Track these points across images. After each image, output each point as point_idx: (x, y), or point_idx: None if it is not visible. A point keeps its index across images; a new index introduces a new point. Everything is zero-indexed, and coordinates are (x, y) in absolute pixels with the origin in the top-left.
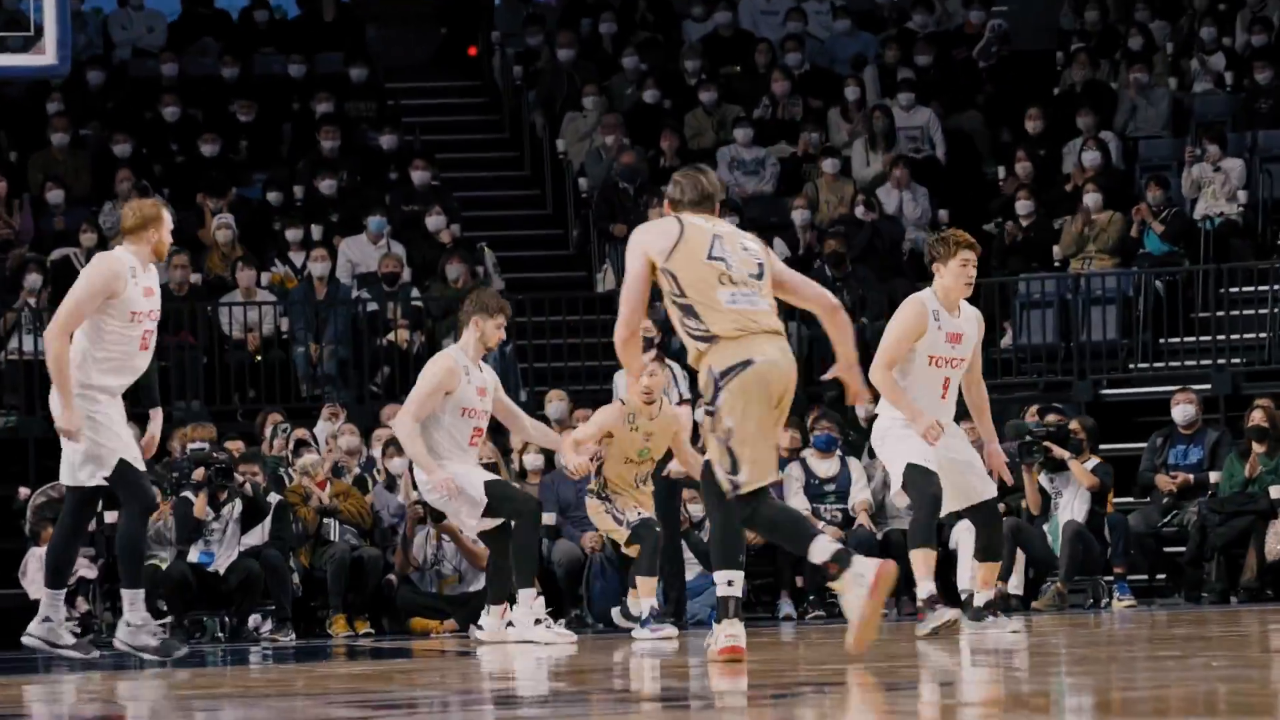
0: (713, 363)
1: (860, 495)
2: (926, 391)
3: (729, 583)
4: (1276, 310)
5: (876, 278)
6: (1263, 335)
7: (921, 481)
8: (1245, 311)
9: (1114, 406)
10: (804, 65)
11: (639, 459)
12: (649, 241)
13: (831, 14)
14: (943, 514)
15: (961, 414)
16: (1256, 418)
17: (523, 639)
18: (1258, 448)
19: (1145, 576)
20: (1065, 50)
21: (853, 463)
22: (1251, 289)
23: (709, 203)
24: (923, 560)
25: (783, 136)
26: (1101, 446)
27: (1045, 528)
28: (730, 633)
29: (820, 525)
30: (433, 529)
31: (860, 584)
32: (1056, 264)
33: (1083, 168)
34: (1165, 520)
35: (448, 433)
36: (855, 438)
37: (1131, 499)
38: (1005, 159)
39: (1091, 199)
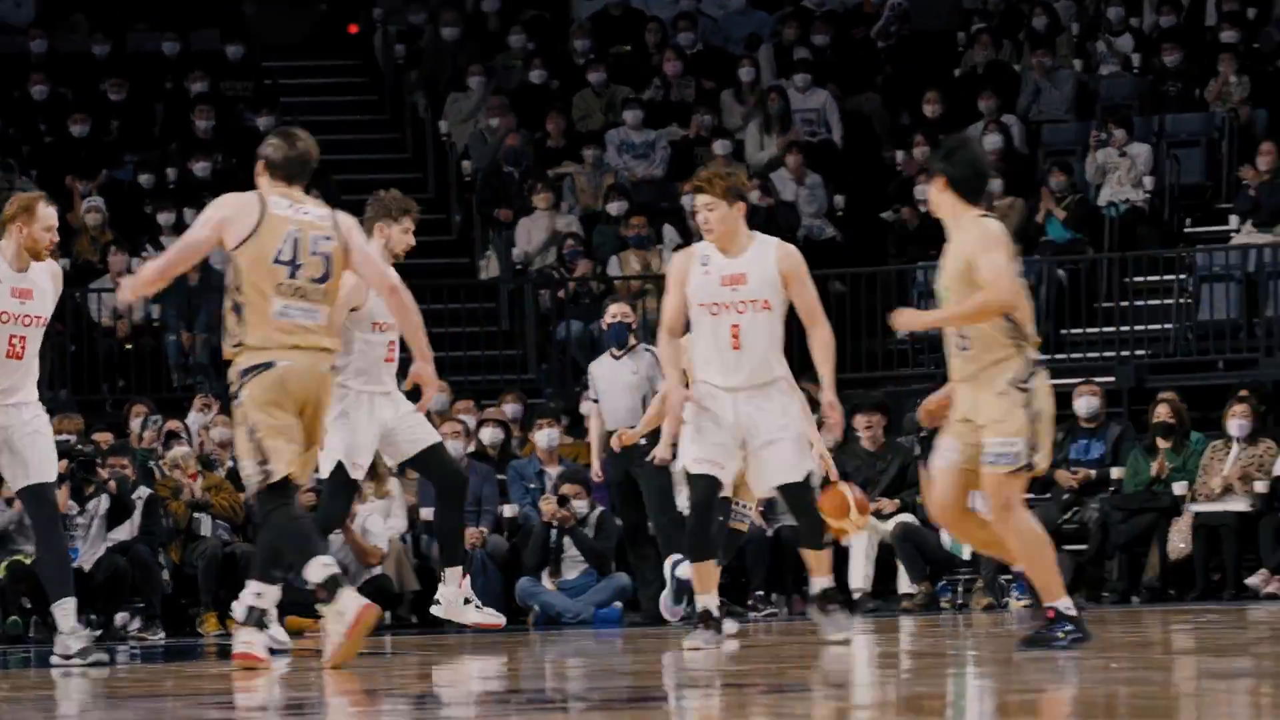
0: (240, 363)
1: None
2: (714, 344)
3: (257, 594)
4: (1183, 301)
5: None
6: (1168, 326)
7: (692, 488)
8: (1150, 302)
9: None
10: (697, 45)
11: None
12: (229, 219)
13: None
14: (755, 500)
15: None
16: (1162, 412)
17: (449, 619)
18: (1163, 443)
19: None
20: (967, 30)
21: None
22: (1157, 278)
23: (305, 173)
24: (697, 574)
25: (674, 118)
26: None
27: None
28: (245, 639)
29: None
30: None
31: (340, 622)
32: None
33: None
34: (1065, 517)
35: (361, 352)
36: None
37: (1032, 495)
38: (904, 142)
39: (993, 184)
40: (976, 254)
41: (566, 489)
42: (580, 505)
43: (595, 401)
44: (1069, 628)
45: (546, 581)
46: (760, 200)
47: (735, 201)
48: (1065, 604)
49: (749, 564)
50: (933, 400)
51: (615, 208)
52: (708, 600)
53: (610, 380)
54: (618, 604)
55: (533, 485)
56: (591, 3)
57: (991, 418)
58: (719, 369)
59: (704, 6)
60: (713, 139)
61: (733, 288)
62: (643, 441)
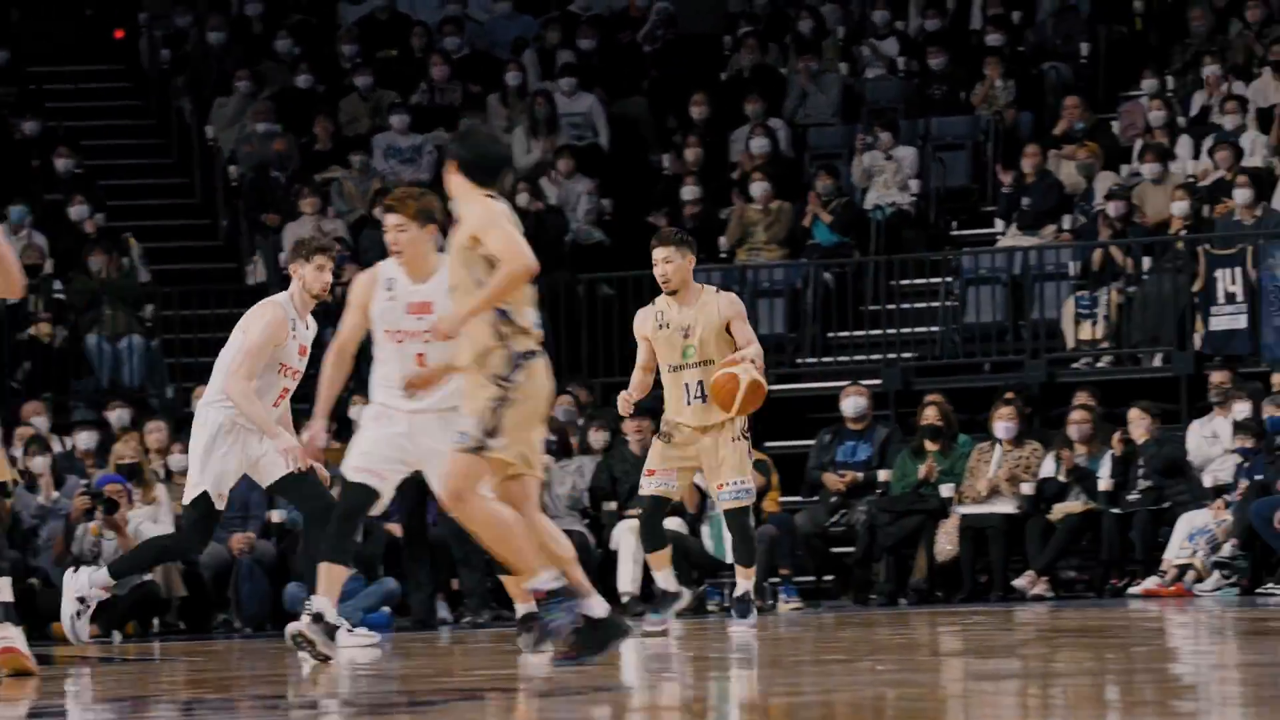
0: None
1: None
2: (399, 370)
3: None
4: (949, 303)
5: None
6: (934, 329)
7: (346, 494)
8: (916, 305)
9: (781, 402)
10: (463, 49)
11: (685, 361)
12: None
13: None
14: None
15: None
16: (929, 415)
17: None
18: (930, 446)
19: (812, 578)
20: (733, 34)
21: None
22: (923, 281)
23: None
24: (327, 575)
25: (441, 123)
26: (767, 444)
27: (705, 528)
28: (4, 635)
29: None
30: (93, 524)
31: None
32: (723, 255)
33: (751, 155)
34: (833, 520)
35: (259, 388)
36: None
37: (799, 498)
38: (671, 146)
39: (759, 188)
40: (483, 229)
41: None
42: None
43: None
44: (560, 601)
45: None
46: (529, 205)
47: (426, 223)
48: (545, 579)
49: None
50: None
51: (382, 212)
52: (322, 604)
53: None
54: (386, 609)
55: None
56: (357, 7)
57: (466, 399)
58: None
59: (470, 11)
60: None
61: (418, 316)
62: None
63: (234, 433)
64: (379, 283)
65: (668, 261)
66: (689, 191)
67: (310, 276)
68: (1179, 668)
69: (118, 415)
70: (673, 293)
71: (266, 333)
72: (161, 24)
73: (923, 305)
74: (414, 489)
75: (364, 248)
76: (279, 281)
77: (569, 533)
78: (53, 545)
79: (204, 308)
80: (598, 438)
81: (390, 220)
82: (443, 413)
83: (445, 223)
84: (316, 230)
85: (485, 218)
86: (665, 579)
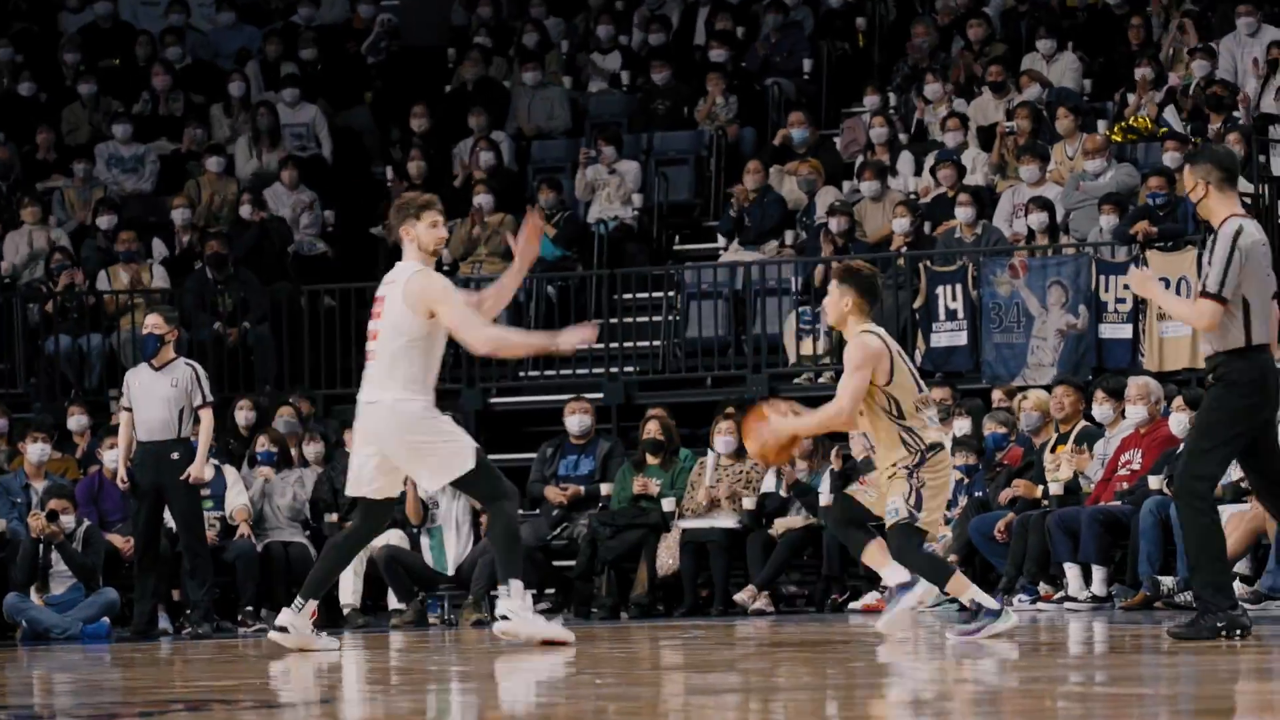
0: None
1: (237, 501)
2: None
3: None
4: (671, 318)
5: (260, 280)
6: (657, 343)
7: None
8: (639, 319)
9: (503, 415)
10: (186, 59)
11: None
12: None
13: (215, 6)
14: None
15: None
16: (651, 429)
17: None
18: (651, 459)
19: (534, 591)
20: (458, 47)
21: (228, 470)
22: (646, 295)
23: None
24: None
25: (164, 133)
26: (490, 456)
27: (425, 540)
28: None
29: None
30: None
31: None
32: (446, 267)
33: (474, 168)
34: (555, 533)
35: (428, 364)
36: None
37: (520, 511)
38: (394, 158)
39: (483, 200)
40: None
41: (54, 504)
42: (68, 520)
43: (128, 410)
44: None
45: (34, 597)
46: (252, 215)
47: None
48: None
49: (239, 579)
50: None
51: (105, 222)
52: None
53: (146, 390)
54: (106, 619)
55: (19, 500)
56: (79, 15)
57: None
58: None
59: (193, 21)
60: (205, 154)
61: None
62: (175, 456)
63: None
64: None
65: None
66: None
67: (424, 234)
68: (898, 683)
69: None
70: None
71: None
72: None
73: (645, 320)
74: (152, 498)
75: (85, 256)
76: None
77: (288, 544)
78: None
79: None
80: (312, 450)
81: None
82: None
83: None
84: (37, 241)
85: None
86: None
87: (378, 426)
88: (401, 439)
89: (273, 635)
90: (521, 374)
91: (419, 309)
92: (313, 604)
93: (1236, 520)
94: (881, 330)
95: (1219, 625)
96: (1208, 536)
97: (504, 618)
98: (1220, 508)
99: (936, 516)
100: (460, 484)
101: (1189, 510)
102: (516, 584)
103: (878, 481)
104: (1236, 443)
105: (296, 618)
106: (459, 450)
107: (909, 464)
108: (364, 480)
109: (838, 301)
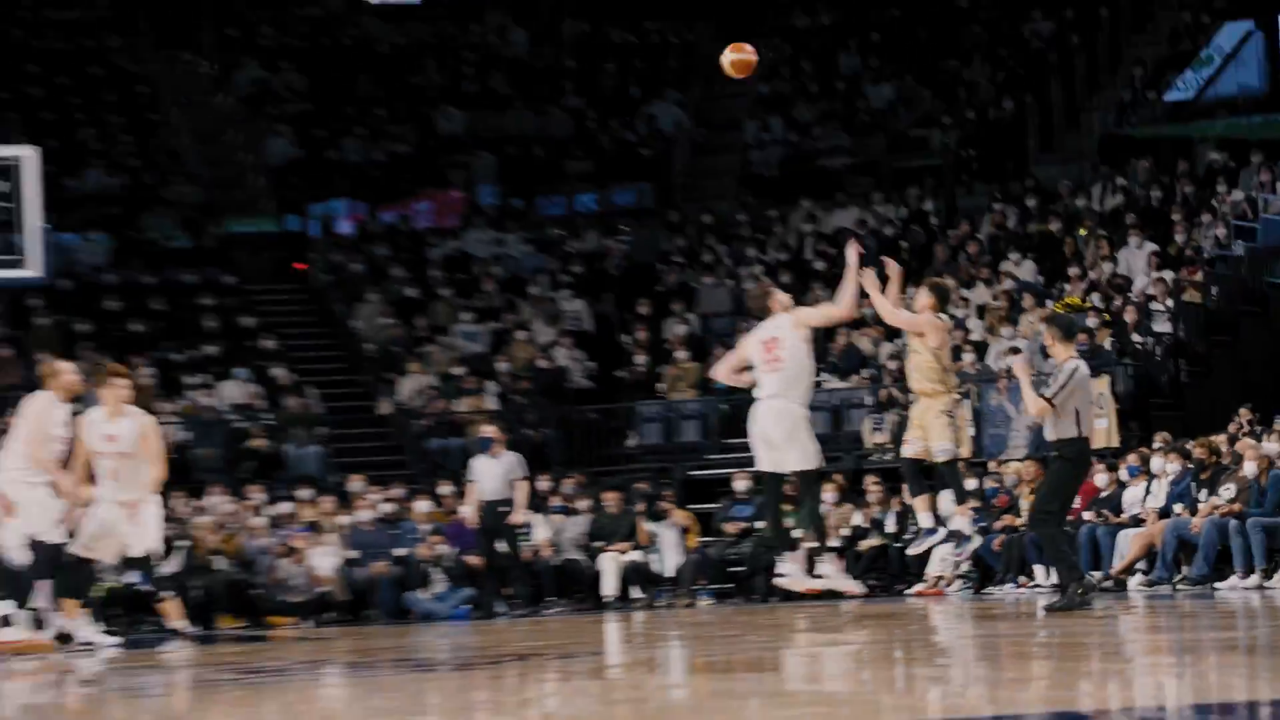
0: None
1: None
2: None
3: None
4: None
5: None
6: None
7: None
8: None
9: (699, 481)
10: None
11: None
12: None
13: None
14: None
15: None
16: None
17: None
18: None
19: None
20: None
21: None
22: None
23: None
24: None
25: None
26: (690, 506)
27: (654, 556)
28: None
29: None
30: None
31: None
32: None
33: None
34: (731, 551)
35: None
36: None
37: (709, 538)
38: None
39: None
40: None
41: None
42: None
43: (474, 482)
44: None
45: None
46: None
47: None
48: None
49: None
50: None
51: None
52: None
53: (483, 471)
54: (467, 605)
55: (411, 535)
56: None
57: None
58: None
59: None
60: None
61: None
62: (503, 509)
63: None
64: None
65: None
66: None
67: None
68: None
69: (303, 493)
70: None
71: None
72: None
73: None
74: (491, 532)
75: None
76: None
77: None
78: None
79: None
80: None
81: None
82: None
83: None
84: None
85: None
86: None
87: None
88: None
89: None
90: (710, 456)
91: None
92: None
93: (1136, 537)
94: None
95: (1079, 591)
96: (1055, 543)
97: (780, 575)
98: (1124, 530)
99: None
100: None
101: (1044, 531)
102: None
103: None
104: (1069, 490)
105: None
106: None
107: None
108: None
109: (921, 299)
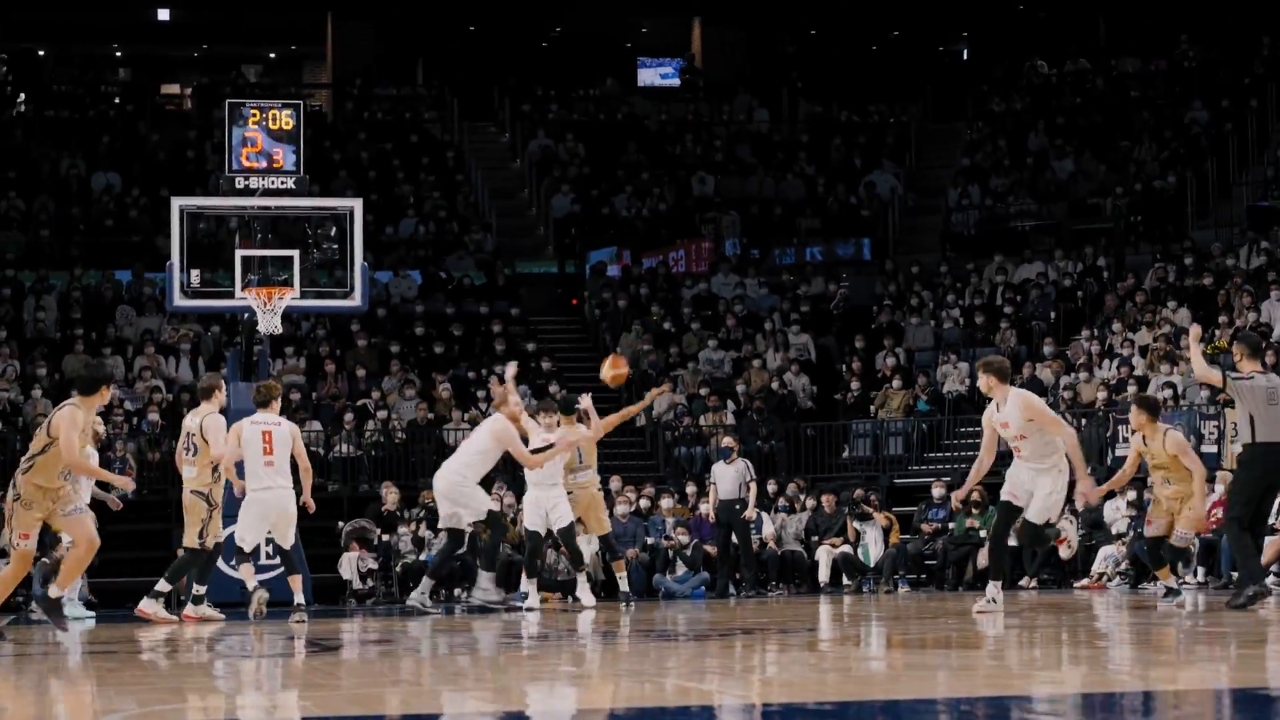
0: None
1: None
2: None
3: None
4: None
5: None
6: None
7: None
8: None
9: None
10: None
11: None
12: None
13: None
14: None
15: None
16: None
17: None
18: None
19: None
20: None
21: None
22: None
23: None
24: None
25: None
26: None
27: None
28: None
29: None
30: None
31: None
32: None
33: None
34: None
35: None
36: None
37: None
38: None
39: None
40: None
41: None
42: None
43: (714, 484)
44: None
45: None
46: None
47: None
48: None
49: None
50: None
51: None
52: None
53: (721, 475)
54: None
55: None
56: None
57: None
58: None
59: None
60: None
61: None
62: (737, 506)
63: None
64: None
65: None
66: None
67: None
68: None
69: None
70: None
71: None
72: None
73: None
74: (728, 528)
75: None
76: None
77: None
78: None
79: None
80: None
81: None
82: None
83: None
84: None
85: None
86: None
87: None
88: None
89: None
90: (912, 467)
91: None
92: None
93: (1271, 544)
94: None
95: (1250, 593)
96: (1237, 545)
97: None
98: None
99: None
100: None
101: (1228, 534)
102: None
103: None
104: (1248, 494)
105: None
106: None
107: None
108: None
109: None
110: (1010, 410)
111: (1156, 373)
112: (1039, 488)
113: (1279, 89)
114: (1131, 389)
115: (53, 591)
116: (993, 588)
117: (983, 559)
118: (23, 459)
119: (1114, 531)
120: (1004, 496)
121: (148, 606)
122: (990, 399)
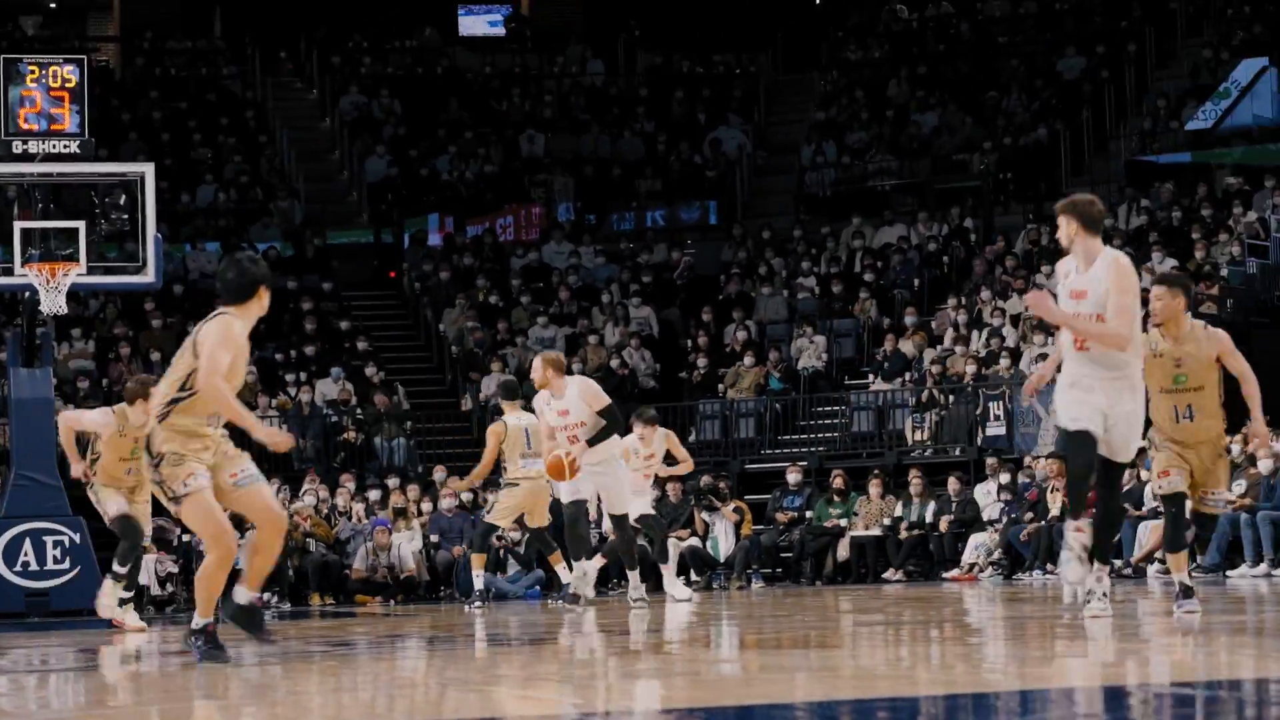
0: None
1: None
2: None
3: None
4: (842, 420)
5: None
6: (834, 435)
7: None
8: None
9: (756, 474)
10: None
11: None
12: None
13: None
14: None
15: None
16: (839, 482)
17: None
18: (838, 498)
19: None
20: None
21: None
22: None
23: None
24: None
25: None
26: (748, 497)
27: (709, 544)
28: None
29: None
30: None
31: None
32: None
33: None
34: (781, 539)
35: None
36: None
37: (760, 526)
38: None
39: None
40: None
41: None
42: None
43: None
44: None
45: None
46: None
47: None
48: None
49: None
50: None
51: None
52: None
53: None
54: (538, 587)
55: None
56: None
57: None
58: None
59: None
60: None
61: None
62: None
63: None
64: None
65: (1159, 300)
66: None
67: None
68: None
69: (391, 482)
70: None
71: None
72: None
73: (830, 422)
74: None
75: None
76: None
77: None
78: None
79: None
80: None
81: None
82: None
83: None
84: None
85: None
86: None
87: None
88: None
89: None
90: (765, 451)
91: None
92: None
93: (1155, 529)
94: None
95: None
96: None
97: None
98: (1144, 522)
99: None
100: None
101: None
102: None
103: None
104: None
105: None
106: None
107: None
108: None
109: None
110: (1099, 273)
111: (1030, 344)
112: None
113: (1158, 33)
114: (1004, 362)
115: (241, 597)
116: (1091, 575)
117: (842, 551)
118: (154, 406)
119: (985, 518)
120: (1073, 426)
121: None
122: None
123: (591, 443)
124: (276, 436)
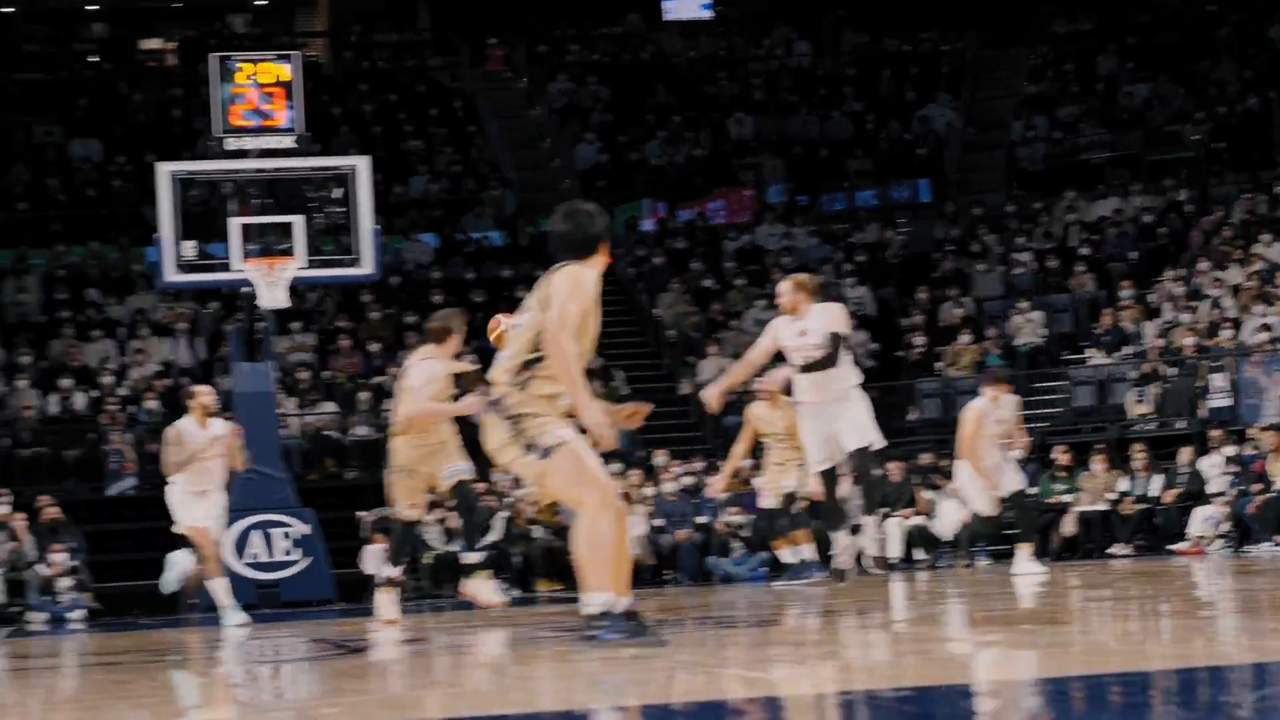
0: None
1: None
2: None
3: None
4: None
5: None
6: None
7: None
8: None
9: None
10: None
11: None
12: None
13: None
14: None
15: None
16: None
17: None
18: None
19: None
20: None
21: None
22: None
23: None
24: None
25: None
26: None
27: None
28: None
29: None
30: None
31: None
32: None
33: None
34: None
35: None
36: None
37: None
38: None
39: None
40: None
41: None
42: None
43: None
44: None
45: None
46: None
47: None
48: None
49: None
50: None
51: None
52: None
53: None
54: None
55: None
56: None
57: None
58: None
59: None
60: None
61: None
62: None
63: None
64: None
65: None
66: None
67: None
68: None
69: (613, 467)
70: None
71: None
72: None
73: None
74: None
75: None
76: None
77: None
78: None
79: None
80: None
81: None
82: None
83: None
84: None
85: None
86: None
87: None
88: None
89: None
90: None
91: None
92: None
93: None
94: None
95: None
96: None
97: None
98: None
99: None
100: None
101: None
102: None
103: None
104: None
105: None
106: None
107: None
108: None
109: None
110: None
111: (1250, 314)
112: None
113: None
114: (1226, 333)
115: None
116: None
117: (1067, 526)
118: (502, 371)
119: (1211, 490)
120: None
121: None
122: None
123: (809, 369)
124: (604, 430)
